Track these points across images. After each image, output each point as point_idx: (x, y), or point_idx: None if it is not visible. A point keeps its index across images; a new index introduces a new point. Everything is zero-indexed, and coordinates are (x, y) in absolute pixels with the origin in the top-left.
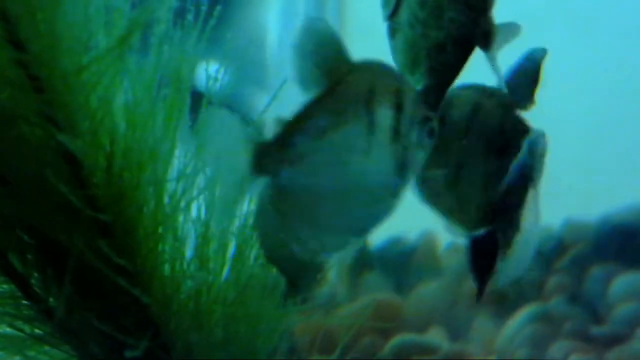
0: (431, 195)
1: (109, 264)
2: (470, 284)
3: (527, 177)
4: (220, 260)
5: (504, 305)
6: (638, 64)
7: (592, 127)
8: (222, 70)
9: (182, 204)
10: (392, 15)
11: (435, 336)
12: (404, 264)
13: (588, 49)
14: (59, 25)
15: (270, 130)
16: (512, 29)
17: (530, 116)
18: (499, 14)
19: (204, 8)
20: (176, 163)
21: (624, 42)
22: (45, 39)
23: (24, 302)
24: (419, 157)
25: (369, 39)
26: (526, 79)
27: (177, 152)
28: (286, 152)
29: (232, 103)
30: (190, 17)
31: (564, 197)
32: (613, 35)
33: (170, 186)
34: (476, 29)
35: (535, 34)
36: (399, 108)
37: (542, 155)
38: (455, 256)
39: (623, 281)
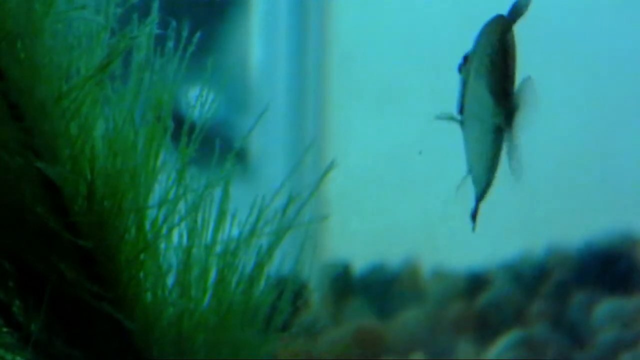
0: None
1: (90, 292)
2: (452, 310)
3: None
4: (202, 286)
5: (487, 330)
6: (622, 87)
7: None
8: (203, 95)
9: (164, 230)
10: None
11: None
12: (386, 289)
13: (569, 72)
14: (39, 52)
15: None
16: None
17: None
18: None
19: (184, 34)
20: (157, 189)
21: (608, 66)
22: (25, 66)
23: (5, 329)
24: None
25: (351, 64)
26: None
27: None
28: None
29: (215, 127)
30: (171, 43)
31: (546, 223)
32: (595, 59)
33: (152, 213)
34: None
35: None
36: None
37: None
38: (438, 282)
39: (606, 307)
